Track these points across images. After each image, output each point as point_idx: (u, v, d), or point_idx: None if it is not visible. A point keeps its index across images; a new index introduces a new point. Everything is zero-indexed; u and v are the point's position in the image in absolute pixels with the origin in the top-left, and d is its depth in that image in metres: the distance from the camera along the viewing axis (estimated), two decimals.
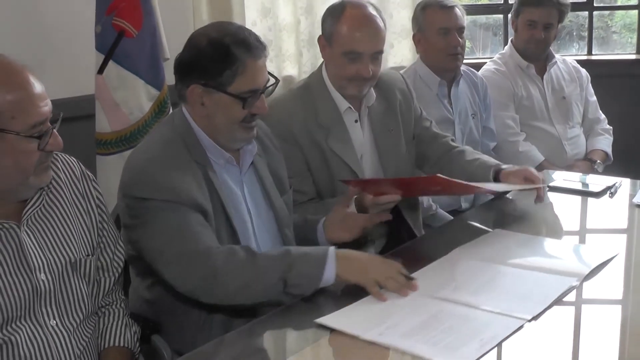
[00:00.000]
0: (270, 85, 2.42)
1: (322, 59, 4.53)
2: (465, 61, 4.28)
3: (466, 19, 3.88)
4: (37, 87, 1.96)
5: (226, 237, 2.38)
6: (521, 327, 1.97)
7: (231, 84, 2.32)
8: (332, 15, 2.98)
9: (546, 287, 2.20)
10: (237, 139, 2.43)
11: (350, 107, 3.04)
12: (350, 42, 2.91)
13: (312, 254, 2.23)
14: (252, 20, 4.54)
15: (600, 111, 4.51)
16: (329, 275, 2.19)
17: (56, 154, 2.21)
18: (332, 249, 2.23)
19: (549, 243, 2.64)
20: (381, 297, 2.14)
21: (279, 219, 2.57)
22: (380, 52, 2.98)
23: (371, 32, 2.93)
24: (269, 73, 2.42)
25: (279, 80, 2.47)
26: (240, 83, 2.32)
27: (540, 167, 4.02)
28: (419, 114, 3.31)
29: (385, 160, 3.14)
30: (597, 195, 3.12)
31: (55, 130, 2.00)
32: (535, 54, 4.31)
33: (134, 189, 2.30)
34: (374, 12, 2.96)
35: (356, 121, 3.08)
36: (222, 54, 2.30)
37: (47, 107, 1.97)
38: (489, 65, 4.38)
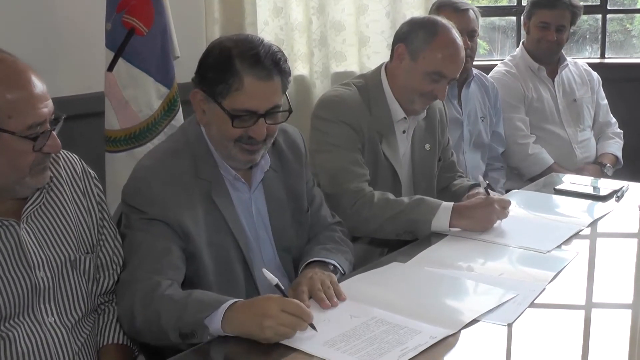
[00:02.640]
0: (274, 112, 2.26)
1: (333, 60, 4.63)
2: (482, 63, 4.27)
3: (480, 21, 3.86)
4: (38, 87, 1.95)
5: (235, 257, 2.35)
6: (445, 338, 1.94)
7: (225, 98, 2.20)
8: (425, 31, 2.94)
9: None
10: (234, 159, 2.31)
11: (405, 118, 3.04)
12: (440, 65, 2.91)
13: (206, 301, 2.01)
14: (264, 19, 4.53)
15: (611, 115, 4.49)
16: (215, 325, 1.95)
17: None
18: (230, 302, 1.97)
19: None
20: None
21: (276, 241, 2.49)
22: (456, 79, 3.05)
23: (460, 58, 2.96)
24: (287, 97, 2.32)
25: (292, 111, 2.32)
26: (235, 99, 2.19)
27: (549, 170, 4.03)
28: (447, 141, 3.35)
29: (418, 177, 3.17)
30: (604, 199, 3.14)
31: (54, 132, 1.99)
32: (547, 56, 4.30)
33: (129, 197, 2.29)
34: (459, 37, 2.97)
35: (404, 132, 3.08)
36: (223, 64, 2.20)
37: (46, 108, 1.96)
38: (499, 67, 4.37)
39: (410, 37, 2.97)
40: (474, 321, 2.02)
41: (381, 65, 3.12)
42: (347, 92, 3.02)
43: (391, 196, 2.87)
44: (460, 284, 2.32)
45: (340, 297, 2.17)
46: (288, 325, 1.91)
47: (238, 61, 2.18)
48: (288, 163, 2.54)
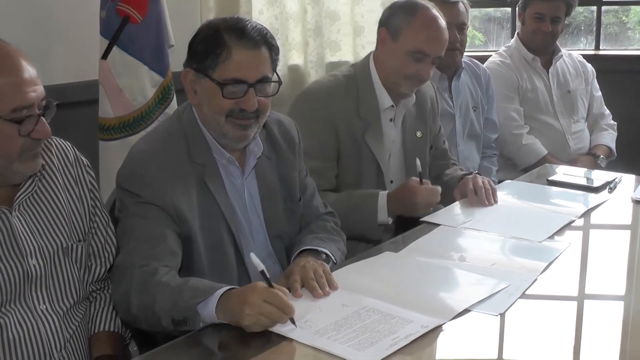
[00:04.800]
0: (263, 82, 2.27)
1: (328, 49, 4.63)
2: (477, 54, 4.25)
3: (472, 13, 3.84)
4: (27, 72, 1.95)
5: (227, 241, 2.35)
6: (436, 328, 1.93)
7: (214, 69, 2.23)
8: (404, 12, 2.97)
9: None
10: (227, 136, 2.31)
11: (392, 105, 3.05)
12: (420, 43, 2.92)
13: (201, 288, 2.01)
14: (259, 8, 4.52)
15: (605, 107, 4.50)
16: (209, 311, 1.96)
17: (50, 139, 2.21)
18: (225, 289, 1.99)
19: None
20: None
21: (268, 227, 2.49)
22: (441, 57, 3.02)
23: (441, 36, 2.96)
24: (276, 74, 2.33)
25: (281, 83, 2.36)
26: (223, 70, 2.22)
27: (543, 161, 4.04)
28: (439, 128, 3.36)
29: (410, 164, 3.14)
30: (596, 190, 3.14)
31: (43, 118, 1.98)
32: (542, 47, 4.30)
33: (124, 180, 2.29)
34: (440, 16, 2.98)
35: (391, 120, 3.09)
36: (211, 37, 2.24)
37: (34, 93, 1.95)
38: (494, 58, 4.37)
39: (391, 19, 3.01)
40: (466, 311, 2.03)
41: (370, 54, 3.13)
42: (327, 83, 3.06)
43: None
44: (451, 274, 2.33)
45: (332, 286, 2.17)
46: (267, 316, 1.91)
47: (225, 33, 2.23)
48: (281, 152, 2.54)
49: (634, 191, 3.04)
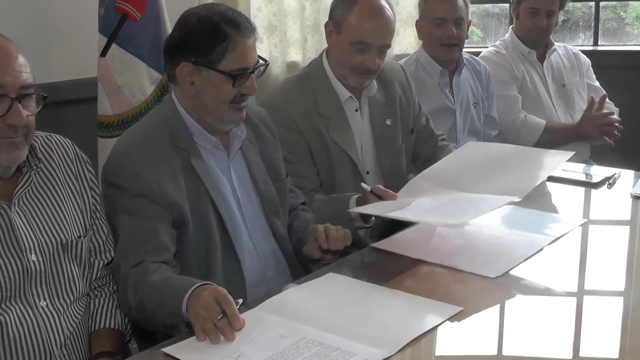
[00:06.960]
0: (259, 66, 2.39)
1: (326, 46, 4.60)
2: (475, 50, 4.23)
3: (470, 9, 3.82)
4: (10, 57, 1.96)
5: (215, 224, 2.37)
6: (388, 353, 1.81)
7: (221, 62, 2.31)
8: (344, 3, 2.96)
9: None
10: (226, 120, 2.40)
11: (351, 96, 3.04)
12: (361, 33, 2.90)
13: (176, 288, 2.05)
14: (257, 5, 4.52)
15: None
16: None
17: (50, 135, 2.22)
18: (197, 285, 2.02)
19: None
20: (199, 336, 1.90)
21: (265, 206, 2.53)
22: (388, 45, 3.00)
23: (382, 24, 2.93)
24: (259, 56, 2.41)
25: (269, 63, 2.47)
26: (231, 61, 2.31)
27: (547, 132, 4.07)
28: (418, 110, 3.33)
29: (382, 153, 3.15)
30: (596, 185, 3.13)
31: (19, 104, 1.97)
32: (536, 41, 4.28)
33: (110, 174, 2.31)
34: (385, 5, 2.96)
35: (357, 110, 3.08)
36: (212, 31, 2.30)
37: (10, 77, 1.95)
38: (489, 49, 4.33)
39: (334, 11, 3.02)
40: (460, 272, 2.03)
41: (324, 49, 3.14)
42: (281, 88, 3.09)
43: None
44: (400, 298, 2.14)
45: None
46: (208, 312, 1.91)
47: (224, 26, 2.31)
48: (262, 135, 2.61)
49: (633, 187, 3.04)
